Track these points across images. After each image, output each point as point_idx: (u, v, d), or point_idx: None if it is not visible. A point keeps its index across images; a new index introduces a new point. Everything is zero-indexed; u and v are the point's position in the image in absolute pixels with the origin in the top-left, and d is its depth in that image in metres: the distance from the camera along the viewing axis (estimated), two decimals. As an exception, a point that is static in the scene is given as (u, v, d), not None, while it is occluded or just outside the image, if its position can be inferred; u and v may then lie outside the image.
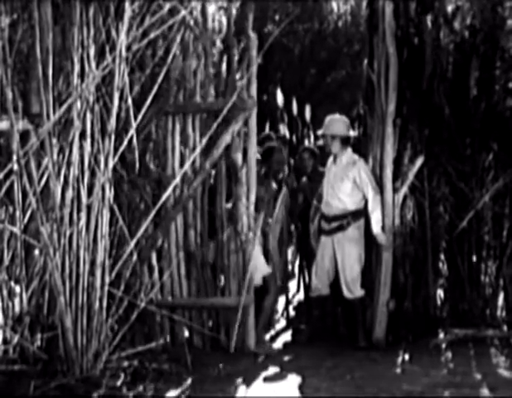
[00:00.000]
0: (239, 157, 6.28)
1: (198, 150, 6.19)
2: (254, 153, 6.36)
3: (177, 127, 6.36)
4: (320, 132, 6.87)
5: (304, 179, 7.58)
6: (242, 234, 6.24)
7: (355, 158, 6.69)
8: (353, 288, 6.57)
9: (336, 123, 6.75)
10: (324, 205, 6.77)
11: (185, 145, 6.37)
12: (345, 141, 6.72)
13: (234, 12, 6.40)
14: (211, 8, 6.42)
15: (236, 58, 6.36)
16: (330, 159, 6.86)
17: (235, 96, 6.09)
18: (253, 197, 6.31)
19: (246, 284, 6.20)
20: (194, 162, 6.31)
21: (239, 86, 6.23)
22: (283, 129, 7.55)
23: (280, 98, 7.50)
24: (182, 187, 6.29)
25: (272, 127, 9.31)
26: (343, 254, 6.60)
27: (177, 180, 6.08)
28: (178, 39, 6.15)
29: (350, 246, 6.59)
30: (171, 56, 6.05)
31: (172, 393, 5.33)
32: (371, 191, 6.53)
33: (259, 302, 6.53)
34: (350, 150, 6.74)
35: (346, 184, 6.60)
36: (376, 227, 6.51)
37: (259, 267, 6.47)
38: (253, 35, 6.34)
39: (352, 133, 6.79)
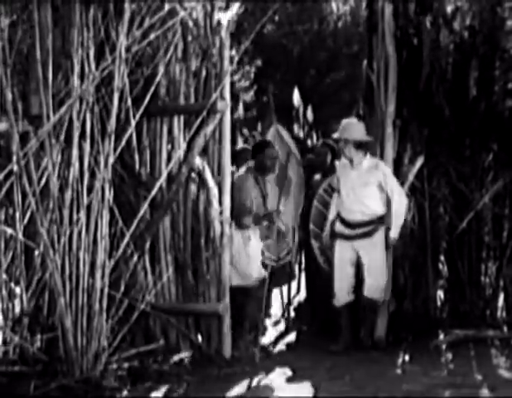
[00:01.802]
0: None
1: (180, 151, 6.11)
2: (228, 156, 6.12)
3: (164, 128, 6.25)
4: (335, 135, 6.69)
5: (317, 176, 7.39)
6: (215, 240, 6.07)
7: (376, 162, 6.50)
8: (373, 292, 6.41)
9: (353, 127, 6.54)
10: (345, 211, 6.49)
11: (172, 146, 6.27)
12: (361, 145, 6.48)
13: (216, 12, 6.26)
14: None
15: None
16: (343, 163, 6.59)
17: (213, 98, 5.95)
18: (227, 202, 6.08)
19: (221, 290, 6.05)
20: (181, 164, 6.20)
21: (214, 88, 6.12)
22: (298, 130, 7.48)
23: (297, 98, 7.39)
24: (168, 189, 6.12)
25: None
26: (369, 261, 6.40)
27: (161, 181, 5.93)
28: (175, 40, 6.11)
29: (376, 252, 6.39)
30: (167, 57, 6.04)
31: (173, 394, 5.33)
32: (396, 195, 6.36)
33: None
34: (368, 154, 6.52)
35: (371, 189, 6.38)
36: (395, 232, 6.38)
37: (250, 271, 6.48)
38: (224, 34, 6.23)
39: (368, 138, 6.55)
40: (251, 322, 6.52)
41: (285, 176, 6.91)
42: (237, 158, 7.24)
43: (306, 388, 5.47)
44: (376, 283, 6.40)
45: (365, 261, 6.42)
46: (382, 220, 6.42)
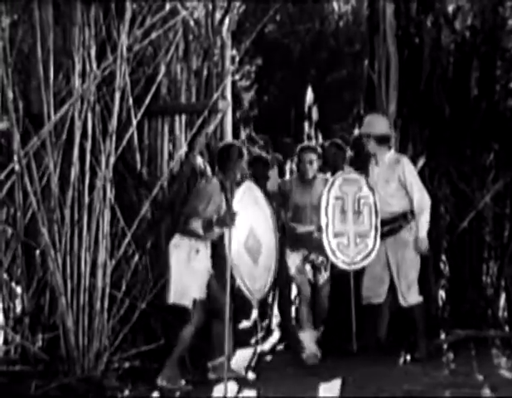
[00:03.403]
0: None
1: (182, 151, 6.11)
2: None
3: (166, 128, 6.24)
4: (357, 131, 6.52)
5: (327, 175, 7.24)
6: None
7: (398, 157, 6.31)
8: (407, 296, 6.18)
9: (375, 121, 6.36)
10: None
11: (173, 146, 6.28)
12: (386, 140, 6.30)
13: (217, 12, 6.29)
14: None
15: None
16: (372, 161, 6.39)
17: (214, 97, 5.96)
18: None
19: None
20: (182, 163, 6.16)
21: (215, 87, 6.12)
22: (309, 129, 7.41)
23: (309, 96, 7.31)
24: (169, 189, 6.11)
25: (283, 128, 9.21)
26: (396, 260, 6.17)
27: (163, 180, 5.93)
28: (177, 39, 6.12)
29: (403, 251, 6.16)
30: (169, 57, 6.05)
31: (173, 393, 5.34)
32: (417, 191, 6.15)
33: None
34: (392, 149, 6.38)
35: (392, 185, 6.18)
36: (422, 231, 6.11)
37: (189, 289, 5.56)
38: (225, 33, 6.22)
39: (389, 132, 6.38)
40: (178, 352, 5.61)
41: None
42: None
43: (307, 387, 5.47)
44: (404, 285, 6.17)
45: (392, 261, 6.20)
46: (407, 218, 6.19)
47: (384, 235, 6.21)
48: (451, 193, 7.08)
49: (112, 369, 5.47)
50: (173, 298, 5.53)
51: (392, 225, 6.20)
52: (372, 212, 6.18)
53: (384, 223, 6.21)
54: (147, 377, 5.55)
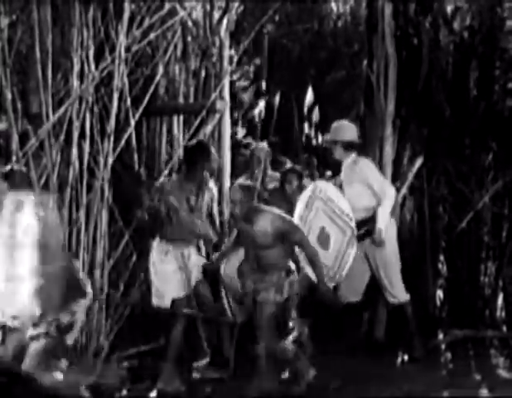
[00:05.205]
0: None
1: (180, 151, 6.11)
2: (227, 156, 6.16)
3: (164, 128, 6.25)
4: (327, 137, 6.56)
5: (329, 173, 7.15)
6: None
7: (355, 158, 6.31)
8: (394, 293, 6.22)
9: (342, 128, 6.38)
10: None
11: (171, 146, 6.29)
12: (351, 147, 6.30)
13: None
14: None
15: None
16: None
17: (212, 97, 5.99)
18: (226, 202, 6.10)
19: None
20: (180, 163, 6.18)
21: (213, 88, 6.14)
22: (309, 131, 7.39)
23: (309, 96, 7.30)
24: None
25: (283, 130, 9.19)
26: (375, 259, 6.22)
27: (161, 180, 5.95)
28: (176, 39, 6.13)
29: (380, 250, 6.17)
30: (167, 57, 6.06)
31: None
32: (377, 186, 6.13)
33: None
34: (354, 154, 6.32)
35: (356, 186, 6.18)
36: (380, 222, 6.09)
37: (165, 290, 5.53)
38: (223, 34, 6.23)
39: (356, 139, 6.35)
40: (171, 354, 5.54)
41: None
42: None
43: (306, 387, 5.46)
44: (387, 283, 6.21)
45: (373, 261, 6.24)
46: None
47: (361, 237, 6.15)
48: (449, 193, 7.09)
49: (110, 368, 5.46)
50: (154, 300, 5.57)
51: (368, 226, 6.17)
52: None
53: (360, 224, 6.15)
54: (146, 377, 5.55)
